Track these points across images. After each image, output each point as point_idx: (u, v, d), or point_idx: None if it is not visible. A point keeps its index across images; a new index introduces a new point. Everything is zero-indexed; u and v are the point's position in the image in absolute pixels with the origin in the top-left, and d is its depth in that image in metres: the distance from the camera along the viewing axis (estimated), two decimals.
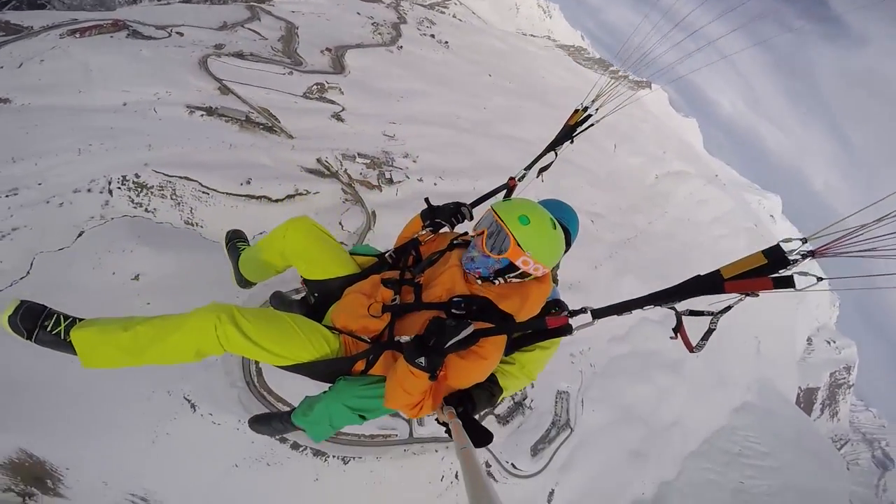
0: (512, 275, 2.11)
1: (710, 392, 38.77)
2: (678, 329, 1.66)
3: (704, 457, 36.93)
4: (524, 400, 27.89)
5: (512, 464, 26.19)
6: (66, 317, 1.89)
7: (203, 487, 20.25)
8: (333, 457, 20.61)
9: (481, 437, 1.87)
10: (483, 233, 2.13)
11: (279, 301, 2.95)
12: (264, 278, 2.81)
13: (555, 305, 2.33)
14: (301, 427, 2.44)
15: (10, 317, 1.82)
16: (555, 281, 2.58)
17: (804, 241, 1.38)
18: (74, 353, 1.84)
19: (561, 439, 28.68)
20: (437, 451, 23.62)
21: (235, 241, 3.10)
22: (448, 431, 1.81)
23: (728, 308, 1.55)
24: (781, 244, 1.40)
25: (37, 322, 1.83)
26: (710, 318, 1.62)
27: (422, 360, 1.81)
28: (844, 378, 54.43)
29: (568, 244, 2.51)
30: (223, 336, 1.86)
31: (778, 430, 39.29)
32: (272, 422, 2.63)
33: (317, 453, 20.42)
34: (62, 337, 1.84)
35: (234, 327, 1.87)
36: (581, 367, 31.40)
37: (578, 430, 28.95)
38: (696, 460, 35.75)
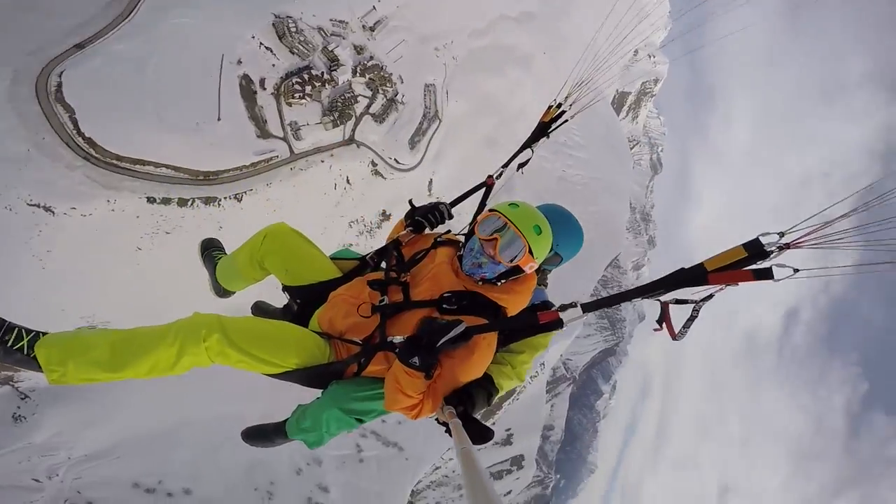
0: (514, 277, 2.17)
1: (552, 84, 44.56)
2: (663, 319, 1.74)
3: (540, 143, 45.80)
4: (396, 96, 29.97)
5: (395, 159, 30.51)
6: (29, 331, 1.75)
7: (124, 286, 20.53)
8: (225, 198, 21.70)
9: (481, 436, 1.94)
10: (496, 239, 2.08)
11: (260, 312, 2.84)
12: (242, 287, 2.70)
13: (542, 307, 2.41)
14: (297, 439, 2.40)
15: None
16: (544, 284, 2.71)
17: (781, 234, 1.46)
18: (39, 369, 1.72)
19: (432, 131, 33.09)
20: (322, 161, 25.95)
21: (211, 250, 2.93)
22: (448, 431, 1.83)
23: (710, 296, 1.64)
24: (760, 238, 1.50)
25: None
26: (693, 305, 1.69)
27: (415, 359, 1.84)
28: (651, 89, 65.16)
29: (564, 256, 2.58)
30: (212, 348, 1.81)
31: (593, 126, 47.92)
32: (269, 435, 2.54)
33: (208, 201, 21.09)
34: (25, 352, 1.72)
35: (223, 338, 1.81)
36: (445, 59, 33.13)
37: (445, 121, 33.45)
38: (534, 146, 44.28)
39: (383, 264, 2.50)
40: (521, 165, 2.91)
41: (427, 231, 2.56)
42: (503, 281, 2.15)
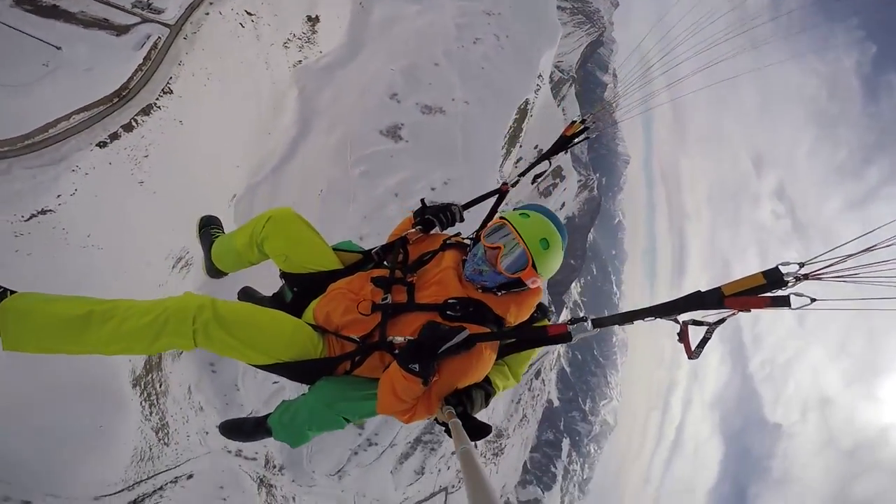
0: (515, 289, 2.11)
1: None
2: (683, 338, 1.71)
3: None
4: None
5: None
6: None
7: (165, 212, 21.22)
8: (157, 99, 20.61)
9: (480, 432, 1.93)
10: (499, 249, 2.05)
11: (248, 298, 2.68)
12: (237, 269, 2.58)
13: (537, 309, 2.32)
14: (280, 438, 2.28)
15: None
16: None
17: (801, 265, 1.45)
18: None
19: None
20: (207, 14, 21.88)
21: (210, 227, 2.79)
22: (447, 431, 1.80)
23: (723, 320, 1.63)
24: (780, 266, 1.48)
25: None
26: (707, 327, 1.67)
27: (415, 366, 1.78)
28: None
29: None
30: (201, 330, 1.71)
31: None
32: (249, 430, 2.41)
33: (146, 111, 20.27)
34: None
35: (216, 321, 1.74)
36: None
37: None
38: None
39: (386, 262, 2.42)
40: (536, 177, 2.88)
41: (436, 231, 2.49)
42: (503, 292, 2.10)
